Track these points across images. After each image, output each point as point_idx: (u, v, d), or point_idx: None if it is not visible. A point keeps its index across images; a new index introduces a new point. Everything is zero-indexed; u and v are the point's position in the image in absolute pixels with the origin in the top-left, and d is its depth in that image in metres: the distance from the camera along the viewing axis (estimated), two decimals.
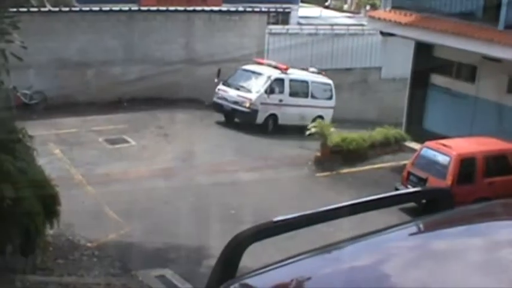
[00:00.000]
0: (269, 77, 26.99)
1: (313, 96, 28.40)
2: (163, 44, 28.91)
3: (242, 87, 27.17)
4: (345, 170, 22.48)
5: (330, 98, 29.06)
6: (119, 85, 27.98)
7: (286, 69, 27.55)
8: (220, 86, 27.28)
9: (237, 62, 29.84)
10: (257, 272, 2.89)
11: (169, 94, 28.03)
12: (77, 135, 23.53)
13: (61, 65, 27.22)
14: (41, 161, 14.24)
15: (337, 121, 26.22)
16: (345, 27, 34.07)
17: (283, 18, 35.86)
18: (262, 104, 26.85)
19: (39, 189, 12.83)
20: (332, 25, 34.24)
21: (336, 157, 22.73)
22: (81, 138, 23.24)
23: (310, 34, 32.07)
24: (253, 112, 26.82)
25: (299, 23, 35.91)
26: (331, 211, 3.12)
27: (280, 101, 27.27)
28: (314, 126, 22.74)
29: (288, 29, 32.44)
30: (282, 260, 2.94)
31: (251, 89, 27.07)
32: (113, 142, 23.14)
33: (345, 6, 54.52)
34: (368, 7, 48.10)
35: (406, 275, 2.63)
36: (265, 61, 28.60)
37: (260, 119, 27.03)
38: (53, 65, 27.01)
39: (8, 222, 11.52)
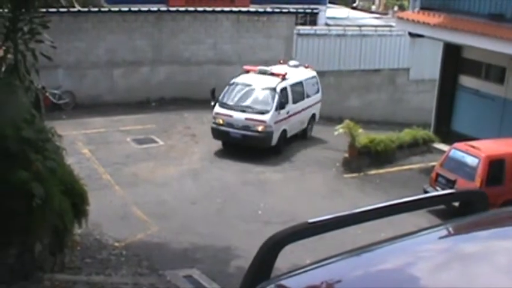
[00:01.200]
0: (274, 90, 23.51)
1: (307, 96, 25.97)
2: (191, 45, 28.98)
3: (247, 107, 23.42)
4: (373, 171, 22.38)
5: (318, 91, 27.01)
6: (146, 85, 28.13)
7: (285, 75, 24.36)
8: (218, 109, 23.42)
9: (264, 63, 29.91)
10: (291, 274, 2.90)
11: (197, 94, 28.05)
12: (105, 135, 23.66)
13: (89, 65, 27.41)
14: (69, 161, 14.31)
15: (364, 122, 26.06)
16: (373, 28, 33.91)
17: (311, 19, 35.78)
18: (275, 123, 23.28)
19: (68, 189, 12.90)
20: (360, 26, 34.08)
21: (364, 158, 22.65)
22: (109, 138, 23.36)
23: (338, 35, 31.92)
24: (268, 135, 23.12)
25: (327, 24, 35.80)
26: (365, 213, 3.11)
27: (288, 112, 23.99)
28: (342, 127, 22.63)
29: (316, 30, 32.34)
30: (315, 262, 2.95)
31: (259, 107, 23.37)
32: (140, 142, 23.25)
33: (373, 7, 54.37)
34: (396, 8, 47.96)
35: (435, 278, 2.62)
36: (255, 68, 25.05)
37: (274, 140, 23.34)
38: (81, 65, 27.20)
39: (37, 221, 11.57)
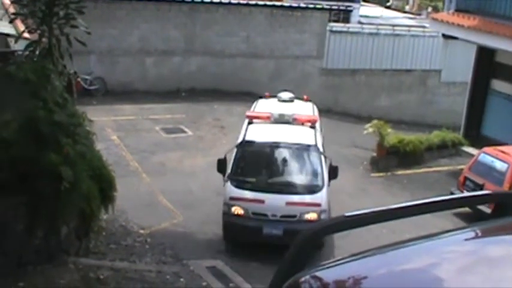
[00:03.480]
0: (317, 150, 16.25)
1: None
2: (224, 37, 28.96)
3: (284, 183, 16.01)
4: (400, 172, 22.26)
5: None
6: (178, 75, 28.19)
7: (315, 121, 17.39)
8: (234, 191, 15.65)
9: (296, 58, 29.87)
10: (325, 266, 2.91)
11: (228, 86, 28.11)
12: (135, 122, 23.76)
13: (122, 53, 27.51)
14: (98, 146, 14.39)
15: (394, 122, 25.93)
16: (406, 28, 33.70)
17: (344, 16, 35.67)
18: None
19: (97, 174, 12.98)
20: (393, 25, 33.90)
21: (392, 158, 22.54)
22: (138, 126, 23.45)
23: (371, 34, 31.76)
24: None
25: (360, 22, 35.67)
26: (402, 209, 3.10)
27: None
28: (371, 126, 22.53)
29: (349, 28, 32.20)
30: (347, 257, 2.94)
31: (304, 182, 16.04)
32: (169, 131, 23.31)
33: (407, 7, 54.08)
34: (430, 9, 47.67)
35: (460, 280, 2.60)
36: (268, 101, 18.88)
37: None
38: (113, 52, 27.31)
39: (64, 204, 11.65)
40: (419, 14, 46.34)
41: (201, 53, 28.64)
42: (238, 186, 15.67)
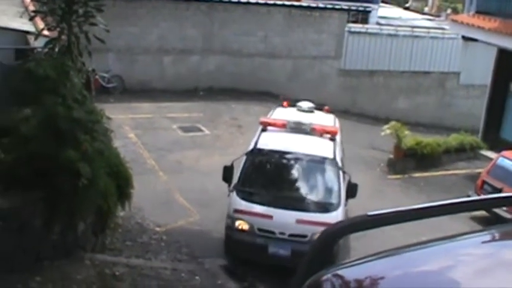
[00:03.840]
0: (335, 163, 14.97)
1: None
2: (242, 36, 28.96)
3: (296, 199, 14.68)
4: (417, 174, 22.20)
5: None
6: (195, 74, 28.21)
7: (335, 132, 16.01)
8: (239, 203, 14.40)
9: (314, 58, 29.83)
10: (346, 265, 2.93)
11: (245, 86, 28.11)
12: (152, 120, 23.81)
13: (140, 51, 27.57)
14: (116, 144, 14.42)
15: (411, 124, 25.84)
16: (425, 29, 33.60)
17: (362, 17, 35.62)
18: None
19: (114, 171, 13.02)
20: (412, 27, 33.80)
21: (409, 160, 22.48)
22: (156, 124, 23.50)
23: (389, 35, 31.68)
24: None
25: (378, 23, 35.61)
26: (423, 209, 3.09)
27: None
28: (389, 128, 22.47)
29: (367, 29, 32.13)
30: (367, 256, 2.94)
31: (318, 199, 14.74)
32: (186, 130, 23.34)
33: (426, 9, 53.83)
34: (449, 10, 47.45)
35: (475, 283, 2.59)
36: (287, 110, 17.39)
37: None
38: (132, 50, 27.38)
39: (82, 200, 11.69)
40: (439, 16, 46.15)
41: (219, 52, 28.66)
42: (244, 198, 14.34)
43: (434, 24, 38.57)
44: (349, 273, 2.84)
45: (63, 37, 13.71)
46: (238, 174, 14.68)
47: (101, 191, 12.23)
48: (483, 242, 3.07)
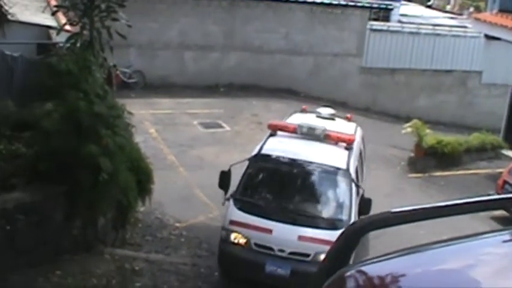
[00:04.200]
0: (348, 174, 13.17)
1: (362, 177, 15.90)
2: (264, 33, 28.91)
3: (300, 213, 12.90)
4: (438, 173, 22.09)
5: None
6: (216, 70, 28.20)
7: (352, 140, 14.17)
8: (236, 214, 12.85)
9: (335, 56, 29.76)
10: (368, 262, 2.90)
11: (266, 83, 28.07)
12: (172, 116, 23.84)
13: (161, 46, 27.60)
14: (136, 139, 14.47)
15: (432, 123, 25.71)
16: (447, 28, 33.40)
17: (384, 15, 35.37)
18: None
19: (135, 166, 13.07)
20: (434, 25, 33.61)
21: (430, 159, 22.36)
22: (176, 120, 23.53)
23: (411, 33, 31.52)
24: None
25: (400, 21, 35.38)
26: (448, 207, 3.07)
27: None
28: (410, 126, 22.38)
29: (389, 26, 31.98)
30: (388, 254, 2.93)
31: (325, 214, 13.09)
32: (207, 126, 23.35)
33: (448, 7, 53.53)
34: (471, 9, 47.15)
35: (495, 282, 2.55)
36: (307, 116, 15.70)
37: None
38: (153, 45, 27.40)
39: (102, 195, 11.75)
40: (461, 14, 45.83)
41: (240, 49, 28.64)
42: (242, 209, 12.79)
43: (456, 22, 38.27)
44: (373, 269, 2.81)
45: (85, 32, 13.77)
46: (238, 181, 13.23)
47: (122, 186, 12.29)
48: (504, 242, 3.04)
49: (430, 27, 32.70)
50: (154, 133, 21.74)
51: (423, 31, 31.75)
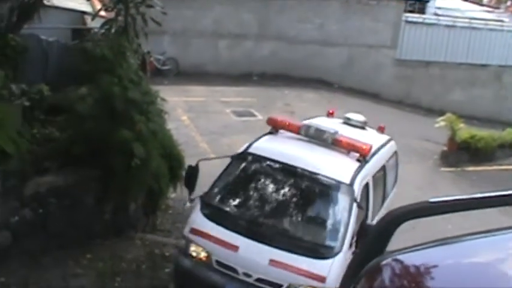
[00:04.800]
0: (350, 190, 10.42)
1: (386, 196, 13.13)
2: (298, 23, 28.82)
3: (279, 232, 10.29)
4: (470, 168, 21.93)
5: (395, 183, 14.49)
6: (249, 59, 28.19)
7: (368, 150, 11.16)
8: (199, 222, 10.57)
9: (369, 47, 29.58)
10: (404, 251, 2.89)
11: (299, 73, 28.01)
12: (205, 104, 23.87)
13: (195, 34, 27.61)
14: (169, 126, 14.48)
15: (466, 117, 25.49)
16: (484, 21, 33.06)
17: (420, 7, 35.17)
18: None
19: (167, 153, 13.10)
20: (470, 18, 33.29)
21: (463, 153, 22.21)
22: (209, 108, 23.56)
23: (447, 26, 31.26)
24: None
25: (436, 14, 35.11)
26: (488, 198, 3.04)
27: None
28: (443, 120, 22.22)
29: (424, 19, 31.75)
30: (423, 244, 2.94)
31: (310, 238, 10.32)
32: (239, 114, 23.36)
33: (485, 0, 53.03)
34: (509, 2, 46.67)
35: None
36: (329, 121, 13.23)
37: None
38: (187, 33, 27.43)
39: (134, 180, 11.79)
40: (498, 8, 45.39)
41: (273, 38, 28.58)
42: (209, 216, 10.46)
43: (493, 16, 37.93)
44: (409, 258, 2.82)
45: (120, 18, 13.76)
46: (214, 182, 11.22)
47: (154, 172, 12.32)
48: None
49: (466, 20, 32.40)
50: (187, 120, 21.78)
51: (459, 24, 31.47)
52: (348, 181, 10.46)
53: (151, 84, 14.56)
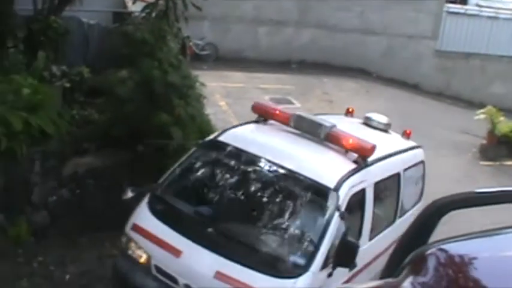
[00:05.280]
0: (334, 201, 8.41)
1: (403, 210, 10.92)
2: (338, 11, 28.61)
3: (238, 241, 8.42)
4: (510, 162, 21.67)
5: (420, 196, 12.21)
6: (289, 46, 28.11)
7: (370, 150, 9.23)
8: (146, 218, 9.00)
9: (409, 37, 29.32)
10: (449, 241, 2.91)
11: (338, 61, 27.87)
12: (243, 90, 23.85)
13: (235, 20, 27.58)
14: (207, 111, 14.51)
15: (507, 110, 25.18)
16: None
17: None
18: None
19: (205, 137, 13.10)
20: None
21: (502, 147, 21.94)
22: (247, 94, 23.52)
23: (489, 17, 30.82)
24: None
25: (478, 5, 34.65)
26: None
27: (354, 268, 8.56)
28: (483, 113, 21.98)
29: (466, 10, 31.37)
30: (468, 234, 2.96)
31: (273, 250, 8.23)
32: (277, 101, 23.22)
33: None
34: None
35: None
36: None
37: None
38: (227, 19, 27.41)
39: (172, 164, 11.81)
40: None
41: (313, 26, 28.43)
42: (156, 211, 8.88)
43: None
44: (454, 248, 2.83)
45: (161, 2, 13.79)
46: (169, 173, 9.57)
47: None
48: None
49: (510, 12, 31.92)
50: (225, 106, 21.80)
51: (502, 16, 30.98)
52: (332, 185, 8.46)
53: (190, 69, 14.61)
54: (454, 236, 2.94)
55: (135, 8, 14.88)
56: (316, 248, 8.05)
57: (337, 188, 8.43)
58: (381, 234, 9.70)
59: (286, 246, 8.22)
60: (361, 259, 8.32)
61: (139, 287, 8.57)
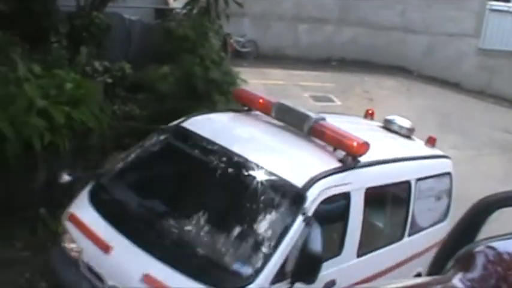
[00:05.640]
0: (300, 203, 6.76)
1: (418, 228, 9.19)
2: (379, 9, 28.50)
3: (175, 242, 6.95)
4: None
5: (446, 213, 10.21)
6: (329, 44, 28.08)
7: (363, 148, 7.45)
8: (82, 207, 7.59)
9: (451, 36, 29.07)
10: (497, 239, 2.89)
11: (379, 59, 27.77)
12: (283, 87, 23.82)
13: (275, 17, 27.59)
14: None
15: None
16: None
17: None
18: None
19: None
20: None
21: None
22: (287, 91, 23.49)
23: None
24: None
25: None
26: None
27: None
28: None
29: (509, 7, 30.98)
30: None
31: (218, 251, 6.73)
32: (318, 99, 23.27)
33: None
34: None
35: None
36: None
37: None
38: (267, 16, 27.42)
39: None
40: None
41: (354, 24, 28.35)
42: (95, 202, 7.59)
43: None
44: (503, 246, 2.80)
45: None
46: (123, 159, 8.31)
47: None
48: None
49: None
50: None
51: None
52: (299, 183, 7.00)
53: (231, 66, 14.64)
54: (502, 234, 2.91)
55: (177, 4, 14.97)
56: (267, 257, 6.55)
57: (305, 188, 6.93)
58: (380, 251, 8.24)
59: (232, 252, 6.74)
60: (343, 276, 7.21)
61: (64, 285, 7.39)
